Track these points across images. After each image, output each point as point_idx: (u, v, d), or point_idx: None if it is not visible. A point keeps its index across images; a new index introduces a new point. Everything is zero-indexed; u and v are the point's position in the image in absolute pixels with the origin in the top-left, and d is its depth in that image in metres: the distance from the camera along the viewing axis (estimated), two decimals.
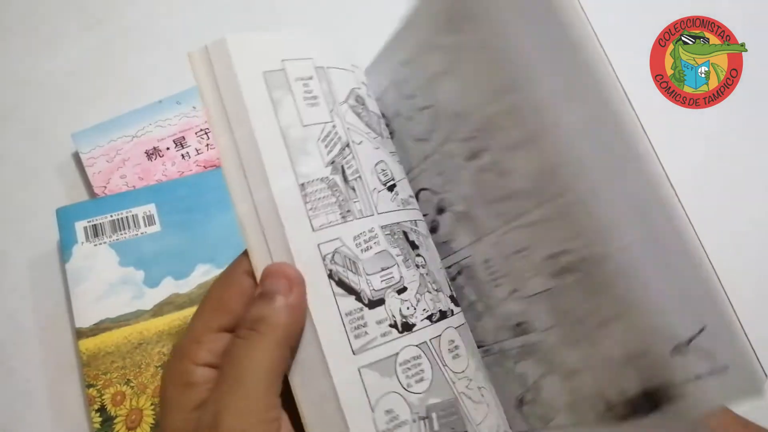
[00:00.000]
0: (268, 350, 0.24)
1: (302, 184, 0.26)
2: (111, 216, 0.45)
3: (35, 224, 0.47)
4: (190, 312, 0.43)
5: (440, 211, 0.32)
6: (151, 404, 0.41)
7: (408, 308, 0.27)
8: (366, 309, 0.26)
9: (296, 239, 0.26)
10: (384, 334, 0.26)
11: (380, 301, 0.27)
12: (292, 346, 0.25)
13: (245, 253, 0.27)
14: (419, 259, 0.29)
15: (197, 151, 0.48)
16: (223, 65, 0.26)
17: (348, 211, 0.27)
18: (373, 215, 0.28)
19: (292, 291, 0.24)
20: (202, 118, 0.49)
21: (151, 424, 0.41)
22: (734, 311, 0.24)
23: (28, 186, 0.49)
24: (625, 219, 0.23)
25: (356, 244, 0.27)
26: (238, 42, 0.26)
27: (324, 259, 0.26)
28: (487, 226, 0.29)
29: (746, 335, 0.23)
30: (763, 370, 0.24)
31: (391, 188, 0.30)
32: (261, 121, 0.26)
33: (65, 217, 0.45)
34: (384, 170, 0.30)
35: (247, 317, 0.25)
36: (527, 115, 0.25)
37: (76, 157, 0.49)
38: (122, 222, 0.45)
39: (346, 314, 0.26)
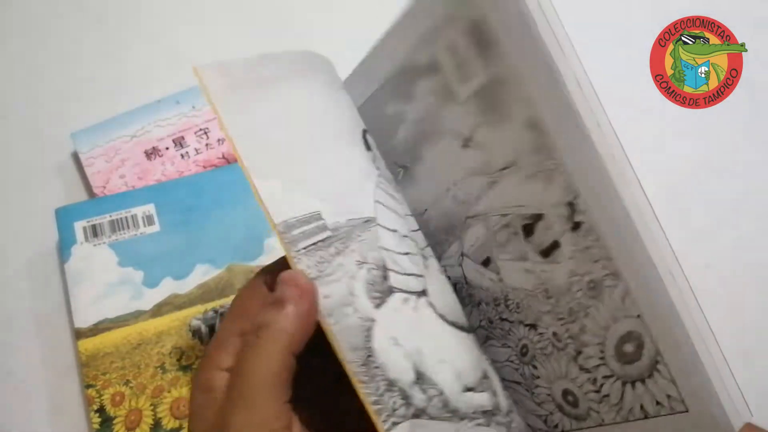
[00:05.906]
0: (269, 357, 0.24)
1: None
2: (110, 216, 0.45)
3: (34, 224, 0.47)
4: (189, 312, 0.43)
5: None
6: (150, 405, 0.41)
7: None
8: None
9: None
10: None
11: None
12: (294, 354, 0.25)
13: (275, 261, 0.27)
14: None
15: (196, 150, 0.48)
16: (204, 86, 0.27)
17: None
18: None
19: (302, 300, 0.24)
20: (202, 117, 0.49)
21: (150, 424, 0.41)
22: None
23: (27, 186, 0.49)
24: None
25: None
26: (205, 70, 0.27)
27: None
28: None
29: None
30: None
31: None
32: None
33: (64, 217, 0.45)
34: None
35: (255, 323, 0.25)
36: None
37: (75, 157, 0.49)
38: (121, 222, 0.45)
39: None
